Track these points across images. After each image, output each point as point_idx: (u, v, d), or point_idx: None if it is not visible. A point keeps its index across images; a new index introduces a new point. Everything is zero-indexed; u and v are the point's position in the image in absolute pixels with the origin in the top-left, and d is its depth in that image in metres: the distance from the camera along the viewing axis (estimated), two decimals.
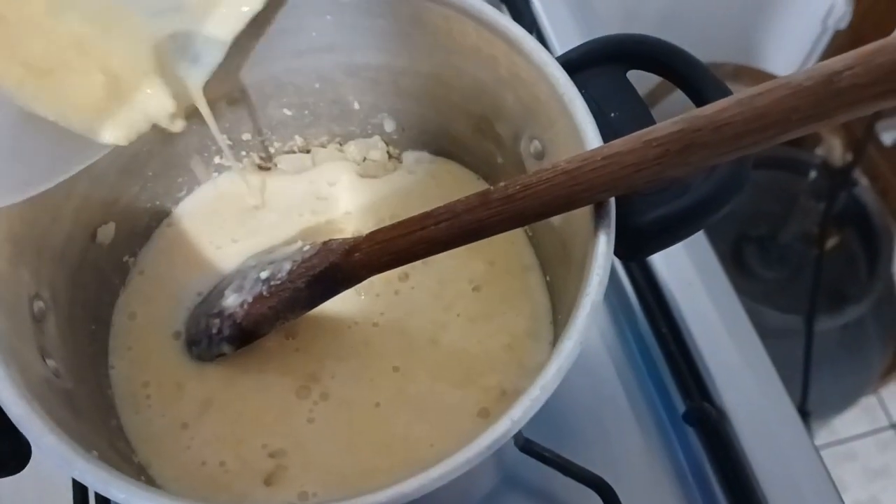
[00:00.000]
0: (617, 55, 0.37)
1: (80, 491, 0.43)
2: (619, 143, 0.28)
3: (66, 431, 0.28)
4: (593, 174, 0.29)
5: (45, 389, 0.30)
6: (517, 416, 0.27)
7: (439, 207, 0.33)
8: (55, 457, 0.27)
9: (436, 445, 0.37)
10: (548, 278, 0.41)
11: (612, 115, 0.35)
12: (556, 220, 0.37)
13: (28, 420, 0.28)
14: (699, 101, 0.35)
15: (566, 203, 0.30)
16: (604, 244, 0.30)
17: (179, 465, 0.38)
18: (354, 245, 0.35)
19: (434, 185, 0.45)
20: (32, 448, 0.32)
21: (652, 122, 0.35)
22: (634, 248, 0.34)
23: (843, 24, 1.09)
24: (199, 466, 0.37)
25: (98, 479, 0.26)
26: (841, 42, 1.11)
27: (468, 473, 0.36)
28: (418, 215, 0.33)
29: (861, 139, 0.92)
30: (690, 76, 0.35)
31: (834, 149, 1.00)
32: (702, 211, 0.33)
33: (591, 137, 0.32)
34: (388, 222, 0.35)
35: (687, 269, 0.50)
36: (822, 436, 1.40)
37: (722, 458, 0.45)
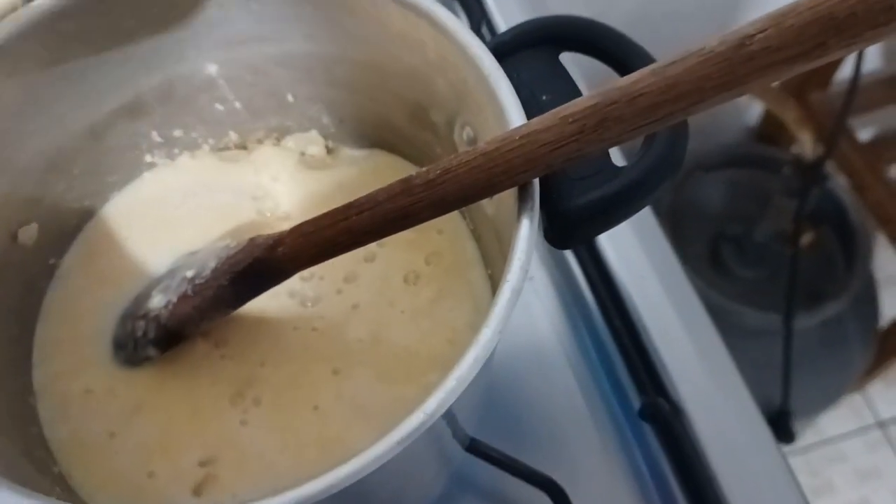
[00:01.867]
0: (548, 37, 0.35)
1: None
2: (535, 122, 0.27)
3: None
4: (511, 154, 0.27)
5: None
6: (431, 408, 0.25)
7: (362, 197, 0.31)
8: None
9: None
10: (489, 272, 0.40)
11: (545, 98, 0.34)
12: (489, 209, 0.36)
13: None
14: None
15: (487, 186, 0.29)
16: (526, 228, 0.28)
17: (105, 474, 0.36)
18: (279, 239, 0.34)
19: (374, 178, 0.43)
20: None
21: None
22: (567, 234, 0.32)
23: None
24: (125, 476, 0.36)
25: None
26: None
27: (404, 473, 0.35)
28: (342, 206, 0.32)
29: (832, 133, 0.91)
30: (622, 57, 0.34)
31: (806, 144, 1.00)
32: (635, 194, 0.32)
33: (516, 120, 0.30)
34: None
35: (641, 263, 0.49)
36: (809, 436, 1.39)
37: (678, 455, 0.43)
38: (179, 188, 0.43)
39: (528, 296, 0.49)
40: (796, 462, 1.29)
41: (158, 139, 0.43)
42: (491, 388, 0.44)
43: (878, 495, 1.36)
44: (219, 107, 0.43)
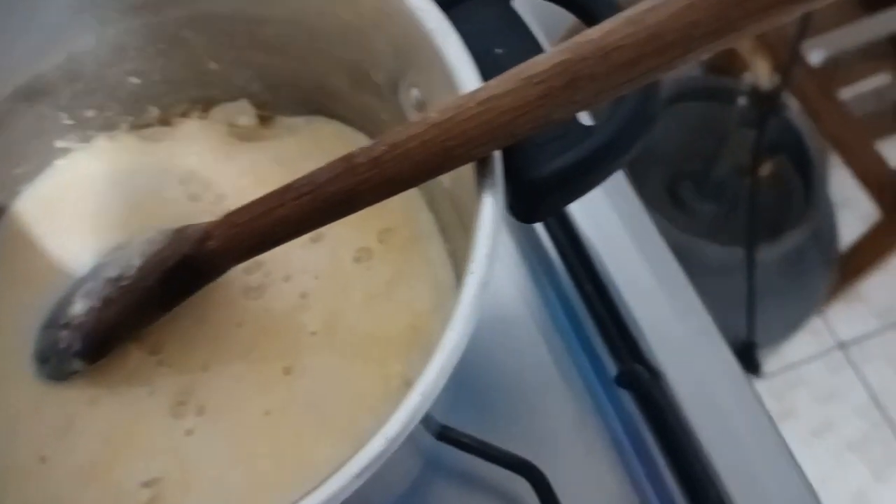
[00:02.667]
0: None
1: None
2: (494, 85, 0.23)
3: None
4: (468, 125, 0.24)
5: None
6: (392, 433, 0.22)
7: (300, 178, 0.27)
8: None
9: (333, 449, 0.32)
10: (449, 247, 0.36)
11: (498, 51, 0.30)
12: (445, 181, 0.32)
13: None
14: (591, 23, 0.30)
15: (443, 162, 0.25)
16: (490, 209, 0.25)
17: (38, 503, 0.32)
18: (208, 231, 0.30)
19: (316, 148, 0.39)
20: None
21: None
22: (534, 207, 0.29)
23: None
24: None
25: None
26: None
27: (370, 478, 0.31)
28: (278, 190, 0.28)
29: (788, 60, 0.89)
30: (581, 2, 0.30)
31: (761, 73, 0.97)
32: (607, 157, 0.29)
33: (467, 80, 0.27)
34: None
35: (611, 221, 0.46)
36: (773, 363, 1.40)
37: (659, 421, 0.41)
38: (98, 175, 0.39)
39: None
40: (760, 388, 1.31)
41: (69, 121, 0.38)
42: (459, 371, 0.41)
43: (840, 415, 1.38)
44: (134, 80, 0.38)
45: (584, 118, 0.30)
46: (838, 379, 1.42)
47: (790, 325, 1.18)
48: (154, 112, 0.40)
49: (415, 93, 0.32)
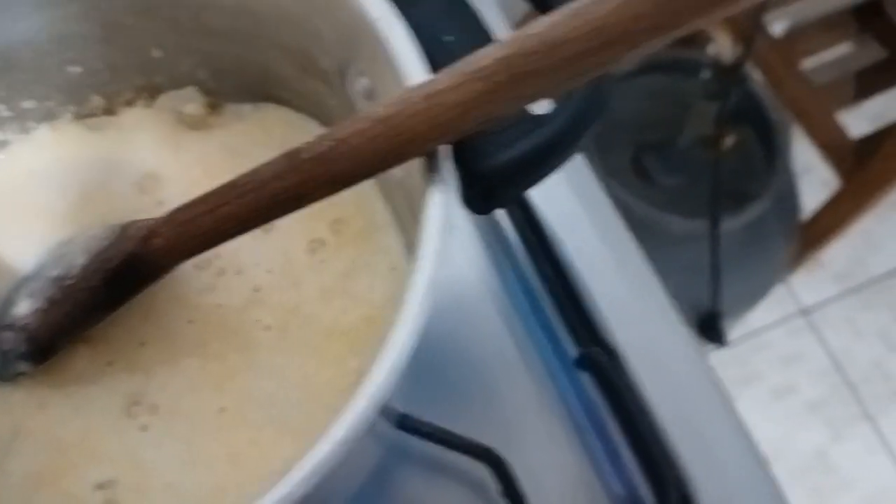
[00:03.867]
0: None
1: None
2: (440, 79, 0.23)
3: None
4: (414, 121, 0.23)
5: None
6: (339, 436, 0.21)
7: (245, 175, 0.27)
8: None
9: (291, 448, 0.32)
10: (405, 237, 0.36)
11: (448, 38, 0.29)
12: (397, 171, 0.32)
13: None
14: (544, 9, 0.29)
15: (390, 158, 0.24)
16: (438, 205, 0.24)
17: None
18: (153, 229, 0.29)
19: (265, 136, 0.38)
20: None
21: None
22: (488, 197, 0.29)
23: None
24: None
25: None
26: None
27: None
28: (222, 187, 0.27)
29: (749, 32, 0.88)
30: None
31: (723, 45, 0.97)
32: (561, 145, 0.28)
33: (414, 71, 0.26)
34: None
35: (568, 199, 0.45)
36: (737, 330, 1.42)
37: (618, 403, 0.41)
38: (41, 167, 0.38)
39: (449, 247, 0.45)
40: (724, 356, 1.33)
41: (7, 113, 0.37)
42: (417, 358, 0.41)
43: (802, 378, 1.41)
44: (74, 69, 0.37)
45: (536, 105, 0.30)
46: (800, 343, 1.45)
47: (754, 294, 1.19)
48: (98, 101, 0.38)
49: (363, 81, 0.31)
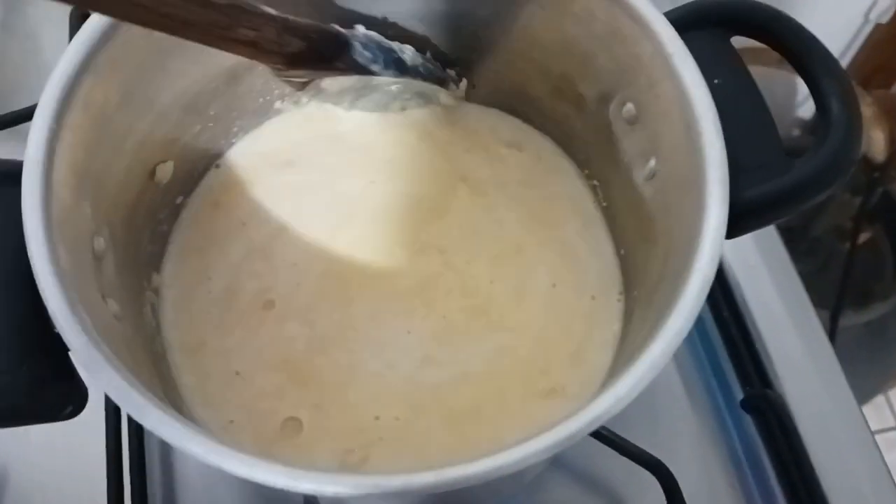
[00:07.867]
0: (718, 19, 0.35)
1: (113, 439, 0.42)
2: None
3: (136, 379, 0.26)
4: None
5: (109, 333, 0.29)
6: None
7: None
8: (129, 406, 0.25)
9: (502, 427, 0.35)
10: (621, 252, 0.39)
11: (716, 81, 0.33)
12: (647, 192, 0.35)
13: (96, 364, 0.26)
14: (806, 76, 0.33)
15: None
16: (718, 215, 0.28)
17: (232, 417, 0.36)
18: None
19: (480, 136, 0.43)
20: (90, 393, 0.30)
21: (757, 92, 0.34)
22: (735, 225, 0.32)
23: (886, 19, 1.06)
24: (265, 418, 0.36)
25: (175, 431, 0.24)
26: (881, 36, 1.08)
27: None
28: None
29: None
30: (797, 48, 0.33)
31: (876, 143, 0.98)
32: (807, 191, 0.32)
33: (700, 99, 0.30)
34: None
35: (751, 252, 0.48)
36: None
37: (780, 447, 0.43)
38: (304, 136, 0.43)
39: None
40: None
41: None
42: None
43: None
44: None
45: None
46: (890, 458, 1.40)
47: (859, 396, 1.17)
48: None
49: (629, 107, 0.35)
